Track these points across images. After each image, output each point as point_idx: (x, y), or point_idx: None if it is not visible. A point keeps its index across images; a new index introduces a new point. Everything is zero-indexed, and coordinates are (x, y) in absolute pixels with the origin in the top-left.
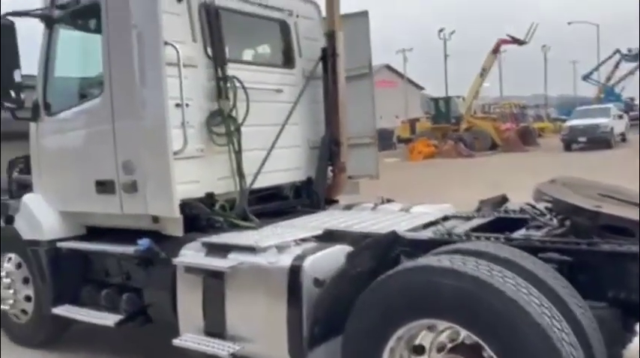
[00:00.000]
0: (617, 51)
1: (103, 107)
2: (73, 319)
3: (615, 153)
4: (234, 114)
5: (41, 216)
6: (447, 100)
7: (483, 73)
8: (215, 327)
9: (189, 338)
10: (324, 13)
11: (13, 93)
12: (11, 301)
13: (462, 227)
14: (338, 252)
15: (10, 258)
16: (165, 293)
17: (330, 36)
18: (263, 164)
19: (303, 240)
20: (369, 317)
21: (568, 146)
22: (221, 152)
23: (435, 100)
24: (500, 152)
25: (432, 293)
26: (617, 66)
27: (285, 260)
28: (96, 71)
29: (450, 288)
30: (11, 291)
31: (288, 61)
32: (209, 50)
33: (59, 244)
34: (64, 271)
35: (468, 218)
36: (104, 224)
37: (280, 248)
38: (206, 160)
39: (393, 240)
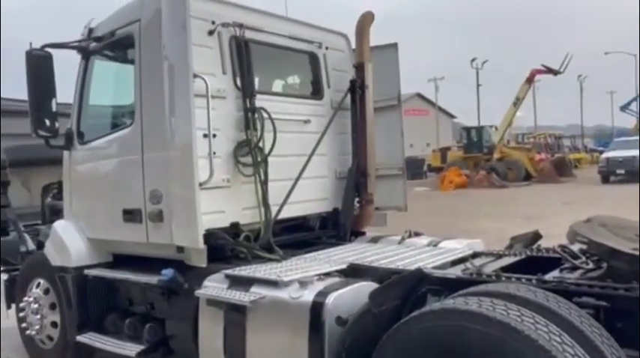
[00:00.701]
0: None
1: (134, 137)
2: (96, 347)
3: None
4: (261, 144)
5: (70, 242)
6: (480, 129)
7: (517, 102)
8: None
9: None
10: (354, 45)
11: (48, 122)
12: (38, 326)
13: (491, 266)
14: (362, 289)
15: (39, 283)
16: (187, 325)
17: (359, 68)
18: (289, 194)
19: (327, 274)
20: None
21: (606, 178)
22: (247, 182)
23: (468, 129)
24: (534, 183)
25: (459, 338)
26: None
27: (308, 295)
28: (128, 101)
29: (477, 334)
30: (38, 317)
31: (316, 92)
32: (238, 82)
33: (86, 271)
34: (90, 298)
35: (499, 256)
36: (130, 252)
37: (303, 283)
38: (232, 190)
39: (419, 278)
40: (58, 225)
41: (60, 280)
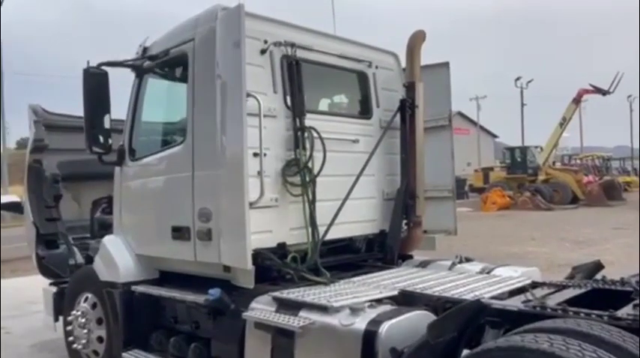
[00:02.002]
0: None
1: (185, 154)
2: None
3: None
4: (310, 164)
5: (118, 257)
6: (524, 150)
7: (563, 122)
8: None
9: None
10: (403, 64)
11: (101, 139)
12: (84, 341)
13: (554, 298)
14: (416, 318)
15: (87, 298)
16: (232, 346)
17: (410, 87)
18: (337, 215)
19: (378, 301)
20: None
21: None
22: (294, 202)
23: (511, 149)
24: (581, 206)
25: None
26: None
27: (359, 323)
28: (179, 119)
29: None
30: (85, 331)
31: (365, 111)
32: (288, 101)
33: (133, 288)
34: (136, 315)
35: (560, 287)
36: (177, 269)
37: (354, 309)
38: (279, 210)
39: (478, 309)
40: (107, 240)
41: (107, 295)
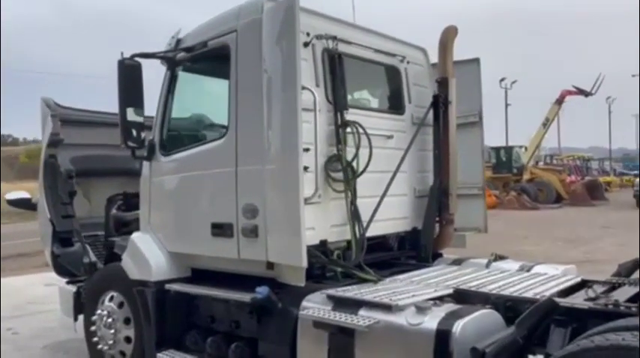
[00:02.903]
0: None
1: (226, 149)
2: None
3: None
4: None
5: (150, 255)
6: (509, 150)
7: (547, 123)
8: None
9: None
10: (431, 60)
11: (135, 133)
12: (111, 341)
13: (613, 296)
14: (484, 317)
15: (112, 297)
16: (283, 347)
17: (443, 83)
18: (375, 212)
19: (439, 299)
20: None
21: None
22: (336, 198)
23: (497, 149)
24: (565, 205)
25: None
26: None
27: (429, 322)
28: (217, 113)
29: None
30: (112, 331)
31: (398, 107)
32: (330, 95)
33: (167, 286)
34: (170, 314)
35: (612, 285)
36: (213, 267)
37: (420, 308)
38: (322, 206)
39: (551, 308)
40: (136, 237)
41: (139, 294)
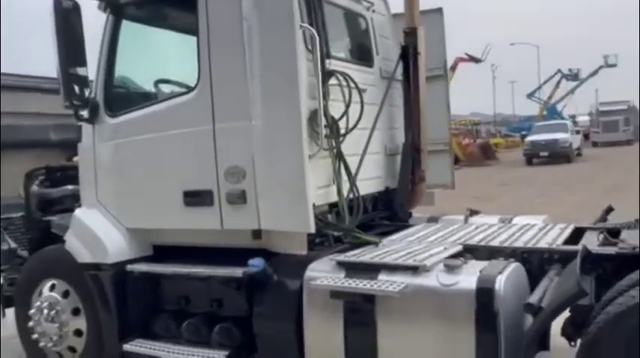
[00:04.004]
0: (559, 71)
1: (198, 105)
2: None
3: (578, 167)
4: (336, 114)
5: (103, 234)
6: None
7: None
8: None
9: None
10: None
11: (77, 89)
12: (56, 337)
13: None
14: (517, 271)
15: (53, 285)
16: (288, 323)
17: (411, 33)
18: (358, 171)
19: (461, 256)
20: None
21: (529, 160)
22: (321, 157)
23: None
24: (463, 166)
25: None
26: (558, 85)
27: (467, 282)
28: (181, 63)
29: None
30: (56, 325)
31: (367, 59)
32: (308, 42)
33: (130, 267)
34: (133, 299)
35: (610, 230)
36: (181, 242)
37: (450, 267)
38: (311, 167)
39: (586, 257)
40: (82, 214)
41: (92, 279)
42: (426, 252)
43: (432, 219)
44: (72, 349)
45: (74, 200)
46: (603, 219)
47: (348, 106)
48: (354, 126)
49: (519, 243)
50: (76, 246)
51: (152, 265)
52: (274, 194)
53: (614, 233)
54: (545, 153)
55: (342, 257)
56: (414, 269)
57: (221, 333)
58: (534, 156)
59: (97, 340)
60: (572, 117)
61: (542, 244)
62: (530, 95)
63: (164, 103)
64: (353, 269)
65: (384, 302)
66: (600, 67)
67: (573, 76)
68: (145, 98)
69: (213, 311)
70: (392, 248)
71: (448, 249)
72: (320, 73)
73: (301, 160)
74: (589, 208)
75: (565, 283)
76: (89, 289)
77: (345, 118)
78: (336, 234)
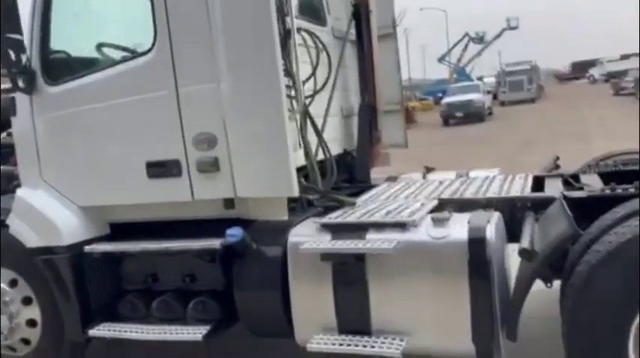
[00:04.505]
0: (466, 34)
1: (156, 70)
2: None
3: (491, 125)
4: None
5: (54, 214)
6: None
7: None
8: (354, 323)
9: (329, 340)
10: None
11: (12, 54)
12: (5, 330)
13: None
14: (500, 220)
15: None
16: (271, 291)
17: None
18: (322, 131)
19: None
20: (609, 292)
21: (446, 121)
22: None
23: None
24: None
25: None
26: (466, 48)
27: (459, 233)
28: (132, 22)
29: None
30: (4, 317)
31: (320, 17)
32: None
33: (89, 248)
34: (93, 282)
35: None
36: (145, 217)
37: (437, 220)
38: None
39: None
40: (26, 194)
41: (45, 265)
42: (407, 208)
43: (391, 179)
44: (25, 341)
45: (7, 181)
46: (555, 167)
47: (316, 67)
48: (324, 86)
49: (490, 194)
50: (22, 229)
51: (116, 244)
52: (251, 159)
53: (572, 179)
54: (461, 114)
55: (325, 219)
56: (402, 226)
57: (196, 309)
58: (451, 117)
59: (54, 329)
60: (480, 78)
61: (513, 193)
62: (441, 59)
63: (116, 68)
64: (339, 230)
65: (375, 261)
66: (503, 30)
67: (479, 38)
68: (92, 63)
69: (185, 287)
70: (369, 208)
71: (425, 204)
72: (284, 29)
73: (281, 120)
74: (512, 162)
75: (554, 227)
76: (41, 275)
77: (312, 79)
78: (311, 197)
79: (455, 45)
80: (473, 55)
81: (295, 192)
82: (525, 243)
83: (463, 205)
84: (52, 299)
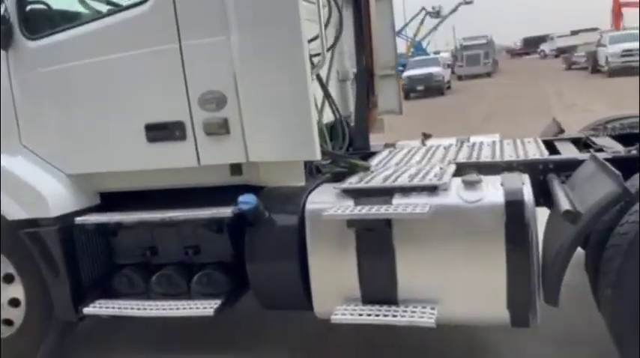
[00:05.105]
0: (423, 8)
1: (155, 21)
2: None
3: (450, 99)
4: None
5: (40, 183)
6: None
7: None
8: (379, 293)
9: (354, 310)
10: None
11: None
12: None
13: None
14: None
15: None
16: (288, 262)
17: None
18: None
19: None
20: None
21: (407, 95)
22: None
23: None
24: None
25: None
26: (422, 22)
27: (494, 195)
28: None
29: None
30: None
31: None
32: None
33: (81, 220)
34: (85, 256)
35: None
36: (141, 186)
37: (469, 183)
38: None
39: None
40: (8, 162)
41: (30, 239)
42: (430, 172)
43: (389, 146)
44: (8, 322)
45: None
46: (559, 131)
47: (326, 25)
48: (333, 45)
49: (507, 158)
50: (4, 201)
51: (112, 215)
52: (267, 120)
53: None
54: (422, 87)
55: (346, 184)
56: (431, 189)
57: (201, 282)
58: (412, 91)
59: (41, 308)
60: (437, 53)
61: (531, 156)
62: (398, 33)
63: (108, 19)
64: (362, 195)
65: (402, 226)
66: (459, 4)
67: (436, 13)
68: (79, 14)
69: (188, 259)
70: (387, 173)
71: (445, 168)
72: None
73: (304, 76)
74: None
75: (594, 187)
76: (23, 250)
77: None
78: (323, 162)
79: (412, 19)
80: (429, 29)
81: (318, 155)
82: (566, 204)
83: (482, 168)
84: (39, 276)
